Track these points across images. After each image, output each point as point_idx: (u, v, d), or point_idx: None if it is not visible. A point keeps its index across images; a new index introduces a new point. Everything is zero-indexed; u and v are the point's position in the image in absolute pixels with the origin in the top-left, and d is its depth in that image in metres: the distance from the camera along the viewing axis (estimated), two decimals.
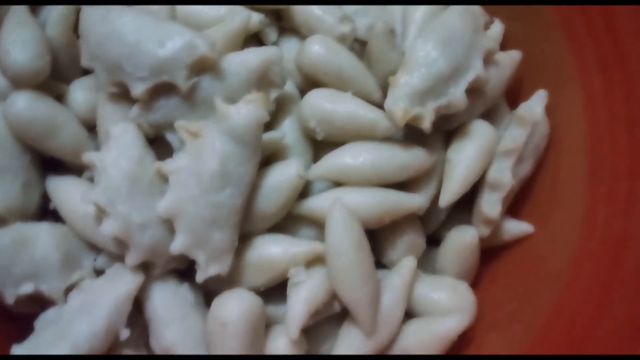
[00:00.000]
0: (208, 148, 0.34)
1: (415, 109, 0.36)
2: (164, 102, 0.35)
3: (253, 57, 0.36)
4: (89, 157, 0.35)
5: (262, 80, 0.36)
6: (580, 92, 0.41)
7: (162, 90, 0.35)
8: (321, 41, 0.38)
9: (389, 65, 0.38)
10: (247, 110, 0.34)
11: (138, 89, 0.34)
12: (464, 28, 0.38)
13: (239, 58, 0.36)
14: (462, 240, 0.40)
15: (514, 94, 0.43)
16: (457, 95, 0.37)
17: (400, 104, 0.36)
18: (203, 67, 0.35)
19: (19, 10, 0.37)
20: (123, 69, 0.34)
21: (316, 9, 0.39)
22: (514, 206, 0.42)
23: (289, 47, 0.40)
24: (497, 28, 0.43)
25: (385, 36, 0.38)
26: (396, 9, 0.41)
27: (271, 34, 0.40)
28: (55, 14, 0.38)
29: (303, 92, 0.39)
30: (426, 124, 0.36)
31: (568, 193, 0.40)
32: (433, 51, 0.36)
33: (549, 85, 0.42)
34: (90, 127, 0.38)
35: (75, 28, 0.38)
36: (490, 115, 0.41)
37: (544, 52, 0.43)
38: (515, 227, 0.41)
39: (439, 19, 0.38)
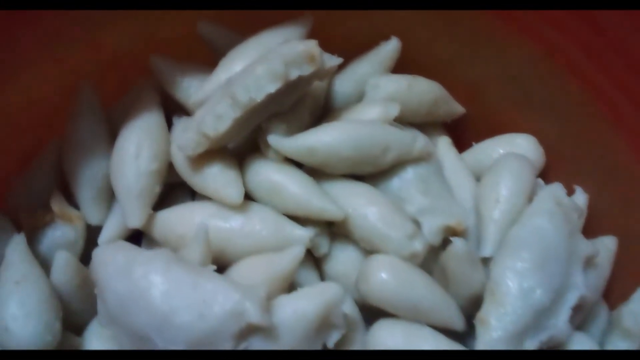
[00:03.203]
0: None
1: None
2: None
3: (310, 305, 0.29)
4: None
5: (321, 325, 0.30)
6: None
7: None
8: (388, 267, 0.31)
9: (471, 287, 0.31)
10: None
11: None
12: (559, 236, 0.31)
13: (293, 308, 0.29)
14: None
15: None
16: (559, 326, 0.30)
17: None
18: (252, 331, 0.28)
19: (17, 254, 0.30)
20: (152, 340, 0.27)
21: (379, 222, 0.32)
22: None
23: (345, 258, 0.33)
24: (581, 201, 0.37)
25: (467, 256, 0.31)
26: (466, 201, 0.35)
27: (323, 244, 0.33)
28: (59, 256, 0.31)
29: (365, 311, 0.33)
30: None
31: None
32: (528, 278, 0.30)
33: None
34: None
35: (87, 258, 0.32)
36: (586, 320, 0.34)
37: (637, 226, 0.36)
38: None
39: (525, 225, 0.32)
